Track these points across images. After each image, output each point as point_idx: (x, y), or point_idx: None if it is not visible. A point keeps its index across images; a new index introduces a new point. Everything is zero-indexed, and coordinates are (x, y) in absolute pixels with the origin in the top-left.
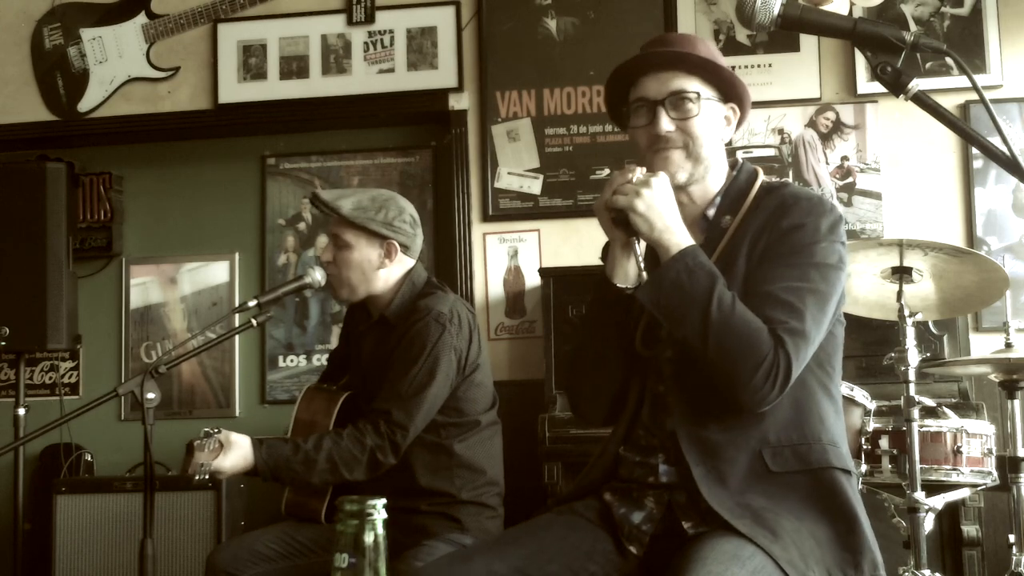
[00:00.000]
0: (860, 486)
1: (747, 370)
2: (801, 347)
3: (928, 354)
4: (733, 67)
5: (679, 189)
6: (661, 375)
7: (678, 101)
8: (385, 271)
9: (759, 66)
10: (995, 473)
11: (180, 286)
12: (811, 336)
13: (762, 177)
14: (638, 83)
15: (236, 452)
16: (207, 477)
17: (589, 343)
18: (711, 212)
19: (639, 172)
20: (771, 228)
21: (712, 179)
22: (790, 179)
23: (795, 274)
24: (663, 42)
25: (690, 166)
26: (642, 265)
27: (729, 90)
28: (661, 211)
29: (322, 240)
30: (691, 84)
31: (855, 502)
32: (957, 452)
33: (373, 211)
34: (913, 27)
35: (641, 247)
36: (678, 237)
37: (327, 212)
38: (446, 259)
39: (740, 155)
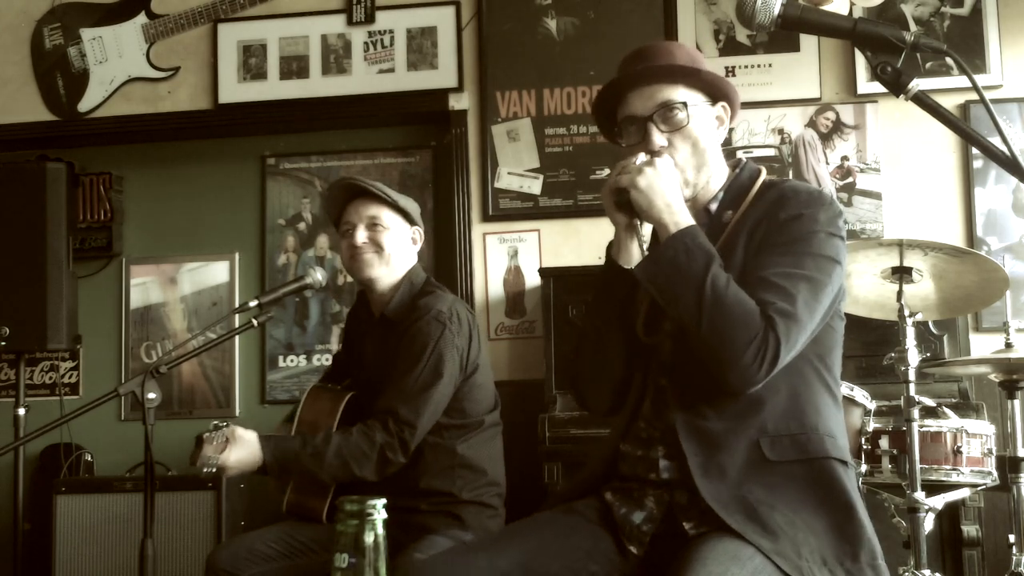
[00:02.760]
0: (860, 486)
1: (737, 348)
2: (792, 329)
3: (928, 354)
4: (733, 67)
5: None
6: (663, 367)
7: (666, 114)
8: (407, 257)
9: (759, 66)
10: (995, 473)
11: (180, 286)
12: (802, 320)
13: (764, 175)
14: (624, 101)
15: (242, 448)
16: (213, 470)
17: (592, 327)
18: (713, 207)
19: (643, 156)
20: (769, 218)
21: (713, 178)
22: (790, 179)
23: (789, 261)
24: (641, 57)
25: (691, 177)
26: (645, 249)
27: (715, 91)
28: (662, 190)
29: (322, 240)
30: (676, 93)
31: (852, 492)
32: (957, 452)
33: (404, 199)
34: (913, 27)
35: (645, 231)
36: (678, 217)
37: (371, 191)
38: (446, 259)
39: (742, 155)
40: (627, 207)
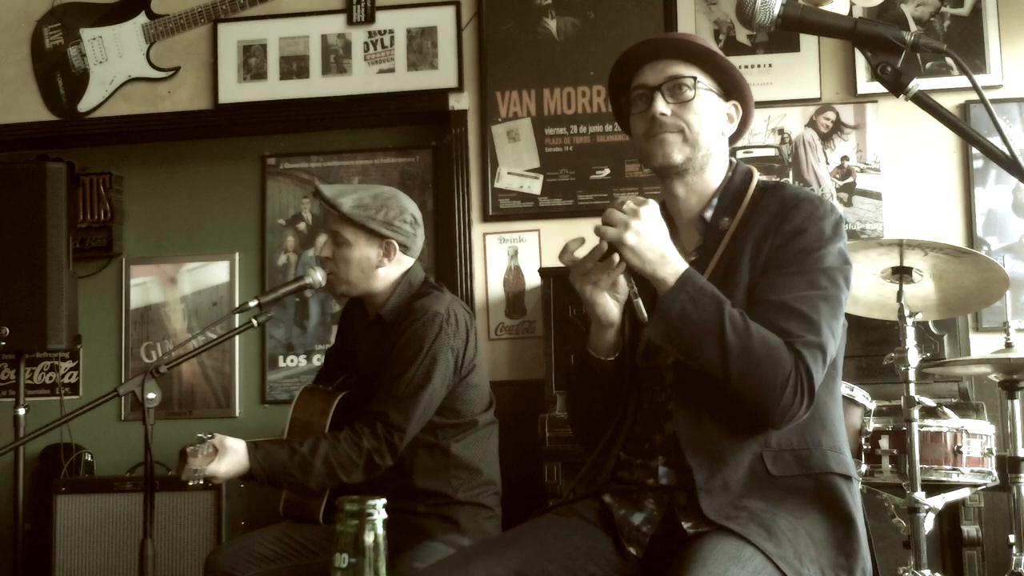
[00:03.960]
0: (860, 486)
1: (774, 391)
2: (819, 360)
3: (928, 354)
4: None
5: (677, 175)
6: (663, 382)
7: (675, 87)
8: (384, 270)
9: (759, 66)
10: (995, 473)
11: (180, 286)
12: (828, 347)
13: (758, 176)
14: (638, 73)
15: (231, 457)
16: (202, 482)
17: (583, 401)
18: (708, 214)
19: (630, 203)
20: (774, 232)
21: (712, 172)
22: (790, 179)
23: (805, 282)
24: (665, 35)
25: (688, 150)
26: (643, 312)
27: (729, 84)
28: (651, 243)
29: (322, 239)
30: (688, 71)
31: (854, 508)
32: (957, 452)
33: (374, 209)
34: (913, 27)
35: (623, 290)
36: (673, 266)
37: (328, 207)
38: (446, 259)
39: (736, 155)
40: (613, 254)
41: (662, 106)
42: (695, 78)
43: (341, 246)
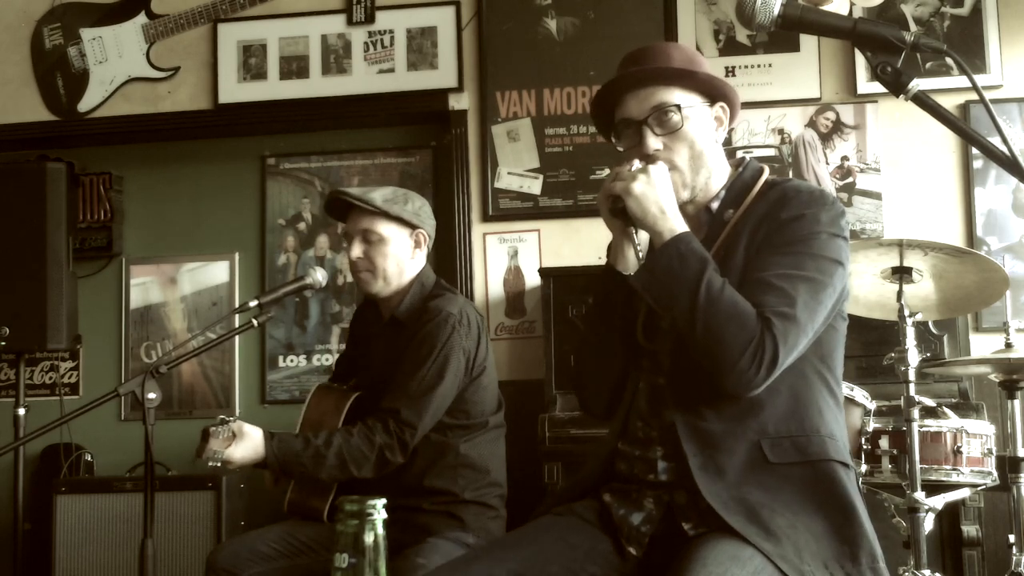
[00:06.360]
0: (860, 486)
1: (733, 353)
2: (790, 331)
3: (928, 354)
4: (733, 67)
5: (683, 203)
6: (661, 367)
7: (661, 116)
8: (411, 262)
9: (759, 66)
10: (995, 473)
11: (180, 286)
12: (801, 322)
13: (767, 174)
14: (620, 104)
15: (247, 443)
16: (219, 464)
17: (592, 331)
18: (715, 205)
19: (637, 163)
20: (771, 219)
21: (715, 179)
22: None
23: (790, 262)
24: (638, 58)
25: (690, 180)
26: (641, 256)
27: (712, 91)
28: (656, 197)
29: (322, 240)
30: (671, 96)
31: (852, 494)
32: (957, 452)
33: (402, 202)
34: (913, 27)
35: (640, 238)
36: (672, 223)
37: (358, 205)
38: (446, 259)
39: (744, 154)
40: (622, 214)
41: (653, 142)
42: (678, 105)
43: (375, 243)
